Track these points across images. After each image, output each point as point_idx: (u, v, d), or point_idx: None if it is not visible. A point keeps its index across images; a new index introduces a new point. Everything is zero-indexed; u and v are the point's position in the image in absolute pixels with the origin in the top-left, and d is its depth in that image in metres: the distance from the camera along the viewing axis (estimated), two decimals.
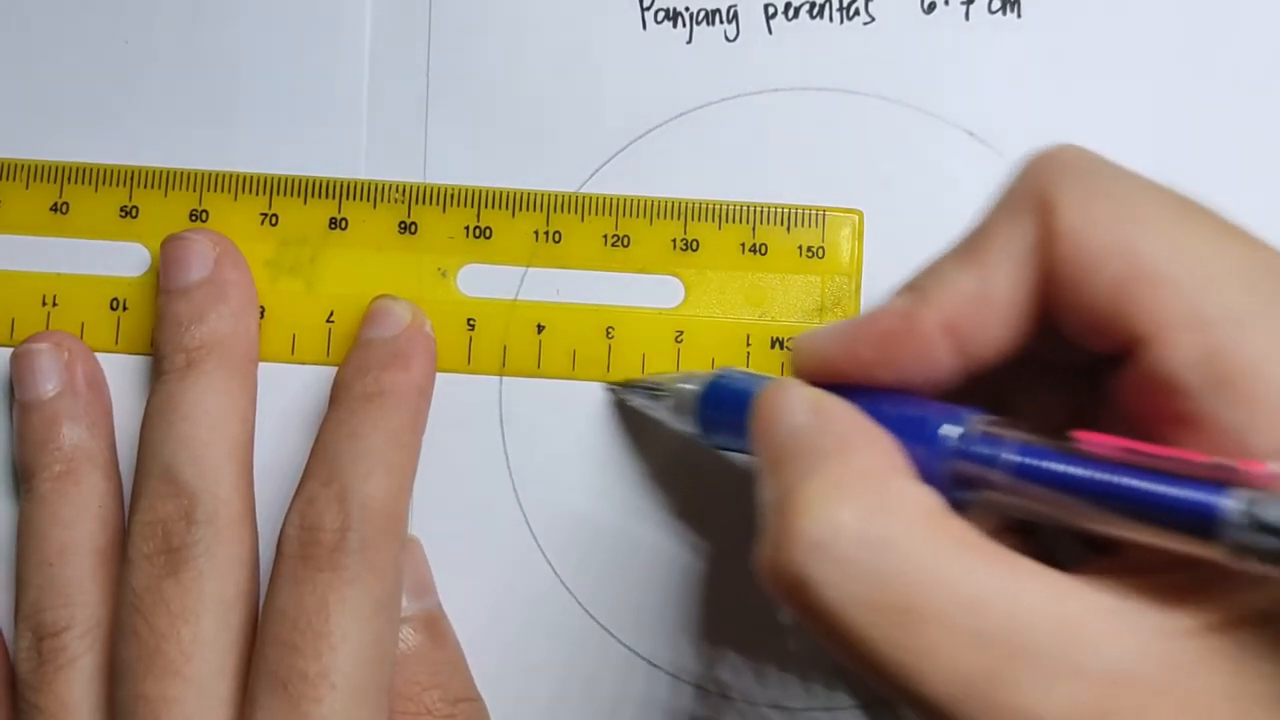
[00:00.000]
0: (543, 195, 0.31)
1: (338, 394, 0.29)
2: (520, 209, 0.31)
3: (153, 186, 0.31)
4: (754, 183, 0.31)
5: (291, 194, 0.31)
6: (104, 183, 0.31)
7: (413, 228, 0.31)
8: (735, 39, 0.31)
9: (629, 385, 0.30)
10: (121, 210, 0.31)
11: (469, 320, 0.31)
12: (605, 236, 0.31)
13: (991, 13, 0.31)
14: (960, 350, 0.22)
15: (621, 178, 0.31)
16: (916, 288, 0.23)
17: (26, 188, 0.32)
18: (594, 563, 0.31)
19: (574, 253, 0.31)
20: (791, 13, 0.31)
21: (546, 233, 0.31)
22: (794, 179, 0.31)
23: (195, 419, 0.28)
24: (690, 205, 0.31)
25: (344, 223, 0.31)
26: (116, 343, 0.31)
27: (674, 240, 0.31)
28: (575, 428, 0.31)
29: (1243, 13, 0.30)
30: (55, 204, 0.31)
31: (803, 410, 0.22)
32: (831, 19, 0.31)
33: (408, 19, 0.32)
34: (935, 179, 0.31)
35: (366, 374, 0.29)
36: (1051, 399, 0.25)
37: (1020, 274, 0.22)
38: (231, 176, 0.31)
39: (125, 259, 0.31)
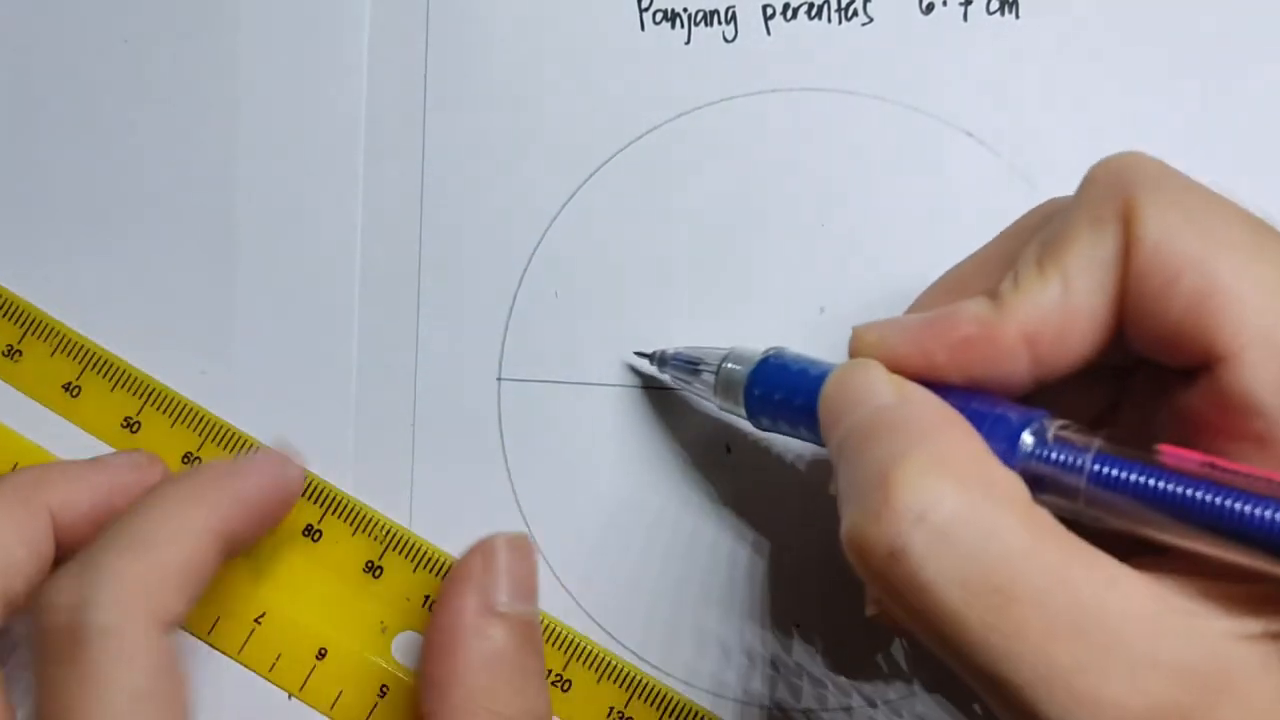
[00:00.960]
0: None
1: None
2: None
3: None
4: (753, 183, 0.31)
5: None
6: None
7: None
8: (733, 39, 0.31)
9: (664, 358, 0.30)
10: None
11: None
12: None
13: (990, 14, 0.31)
14: (1038, 361, 0.22)
15: (620, 178, 0.31)
16: (996, 295, 0.23)
17: None
18: (594, 565, 0.31)
19: None
20: (790, 13, 0.31)
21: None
22: (792, 180, 0.31)
23: None
24: None
25: None
26: None
27: None
28: (574, 430, 0.31)
29: (1239, 12, 0.30)
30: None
31: (888, 391, 0.22)
32: (830, 19, 0.31)
33: (406, 20, 0.32)
34: (933, 179, 0.31)
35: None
36: (1079, 395, 0.25)
37: (1102, 284, 0.22)
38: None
39: None
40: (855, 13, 0.31)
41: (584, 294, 0.31)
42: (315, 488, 0.31)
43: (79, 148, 0.32)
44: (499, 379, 0.31)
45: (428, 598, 0.30)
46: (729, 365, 0.27)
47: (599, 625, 0.31)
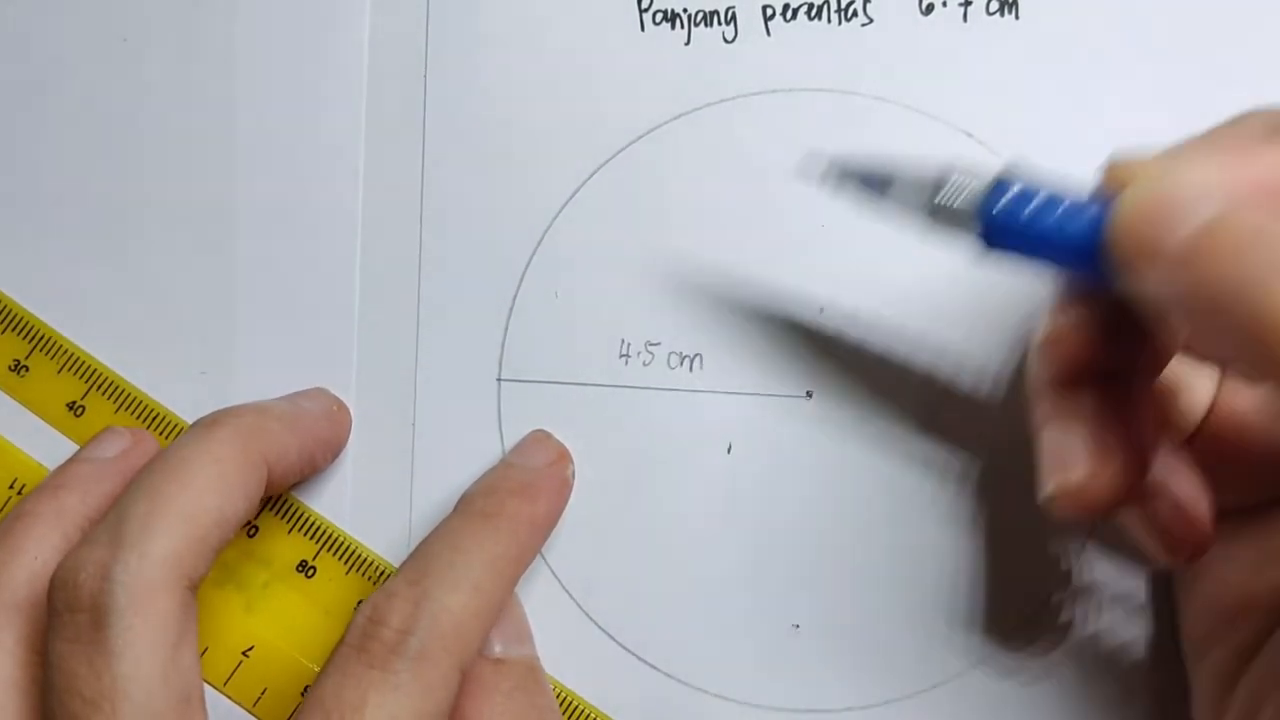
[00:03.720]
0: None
1: (459, 505, 0.29)
2: None
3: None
4: (753, 184, 0.31)
5: None
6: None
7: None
8: (733, 40, 0.31)
9: (846, 171, 0.27)
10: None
11: None
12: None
13: (989, 14, 0.31)
14: None
15: (620, 180, 0.31)
16: None
17: None
18: (593, 565, 0.31)
19: None
20: (790, 14, 0.31)
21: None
22: (792, 180, 0.31)
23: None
24: None
25: None
26: None
27: None
28: (574, 431, 0.31)
29: (1241, 12, 0.30)
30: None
31: (1214, 199, 0.20)
32: (830, 20, 0.31)
33: (405, 21, 0.32)
34: None
35: (492, 494, 0.29)
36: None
37: None
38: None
39: None
40: (855, 13, 0.31)
41: (584, 294, 0.31)
42: (312, 523, 0.31)
43: (77, 148, 0.32)
44: (499, 379, 0.31)
45: None
46: (959, 178, 0.24)
47: (599, 626, 0.30)
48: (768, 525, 0.30)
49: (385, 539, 0.31)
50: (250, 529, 0.31)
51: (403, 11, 0.32)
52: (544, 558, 0.31)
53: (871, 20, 0.31)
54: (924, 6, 0.31)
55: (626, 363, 0.31)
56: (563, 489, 0.30)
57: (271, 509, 0.31)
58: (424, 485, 0.31)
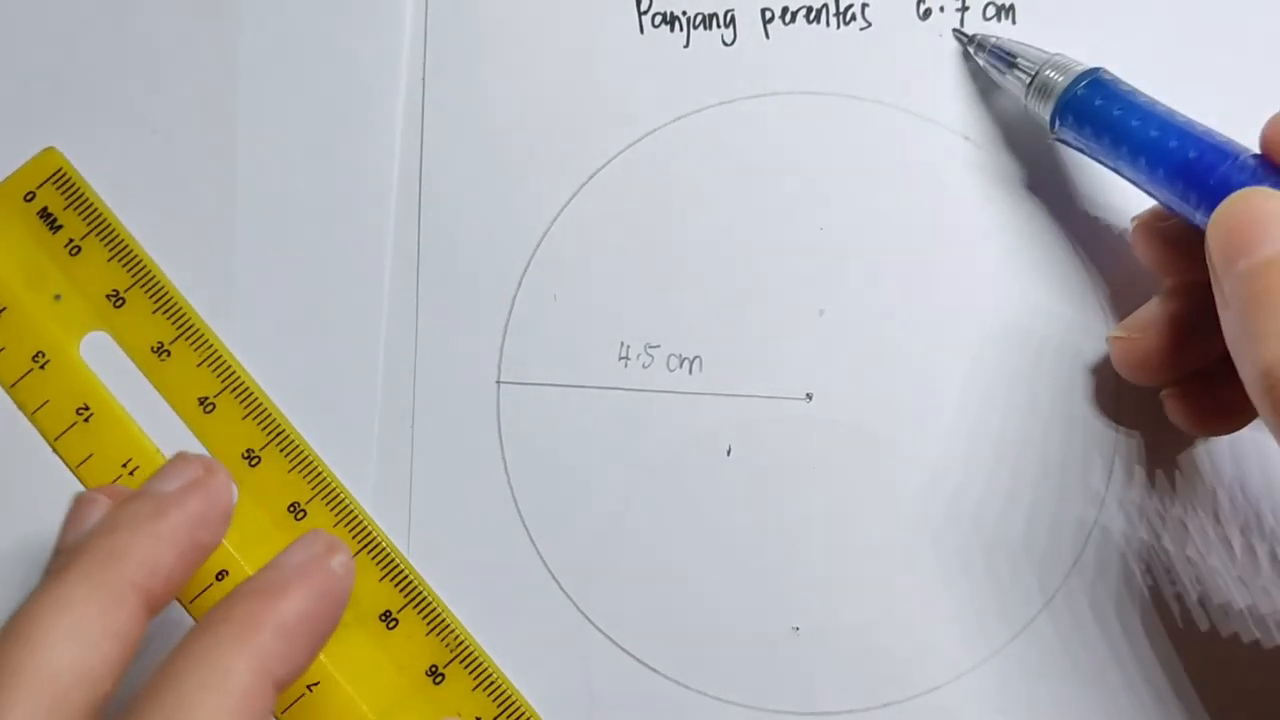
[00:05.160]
0: None
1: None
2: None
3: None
4: (752, 187, 0.31)
5: None
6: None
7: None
8: (732, 43, 0.32)
9: (983, 44, 0.30)
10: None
11: None
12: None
13: (986, 19, 0.31)
14: None
15: (620, 181, 0.31)
16: None
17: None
18: (593, 567, 0.31)
19: None
20: (788, 17, 0.32)
21: None
22: (791, 183, 0.31)
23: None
24: None
25: None
26: None
27: None
28: (574, 433, 0.31)
29: (1237, 18, 0.31)
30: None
31: None
32: (828, 23, 0.31)
33: (404, 22, 0.32)
34: (931, 183, 0.31)
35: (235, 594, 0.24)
36: None
37: None
38: None
39: None
40: (853, 17, 0.31)
41: (583, 296, 0.31)
42: (404, 575, 0.30)
43: (75, 153, 0.32)
44: (498, 382, 0.31)
45: (479, 719, 0.30)
46: (1048, 73, 0.28)
47: (597, 628, 0.30)
48: (767, 527, 0.30)
49: None
50: None
51: (402, 14, 0.32)
52: (543, 559, 0.31)
53: (870, 24, 0.31)
54: (921, 10, 0.31)
55: (626, 365, 0.31)
56: (325, 579, 0.25)
57: (369, 552, 0.30)
58: (423, 487, 0.31)
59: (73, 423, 0.30)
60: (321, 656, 0.29)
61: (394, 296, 0.32)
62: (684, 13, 0.32)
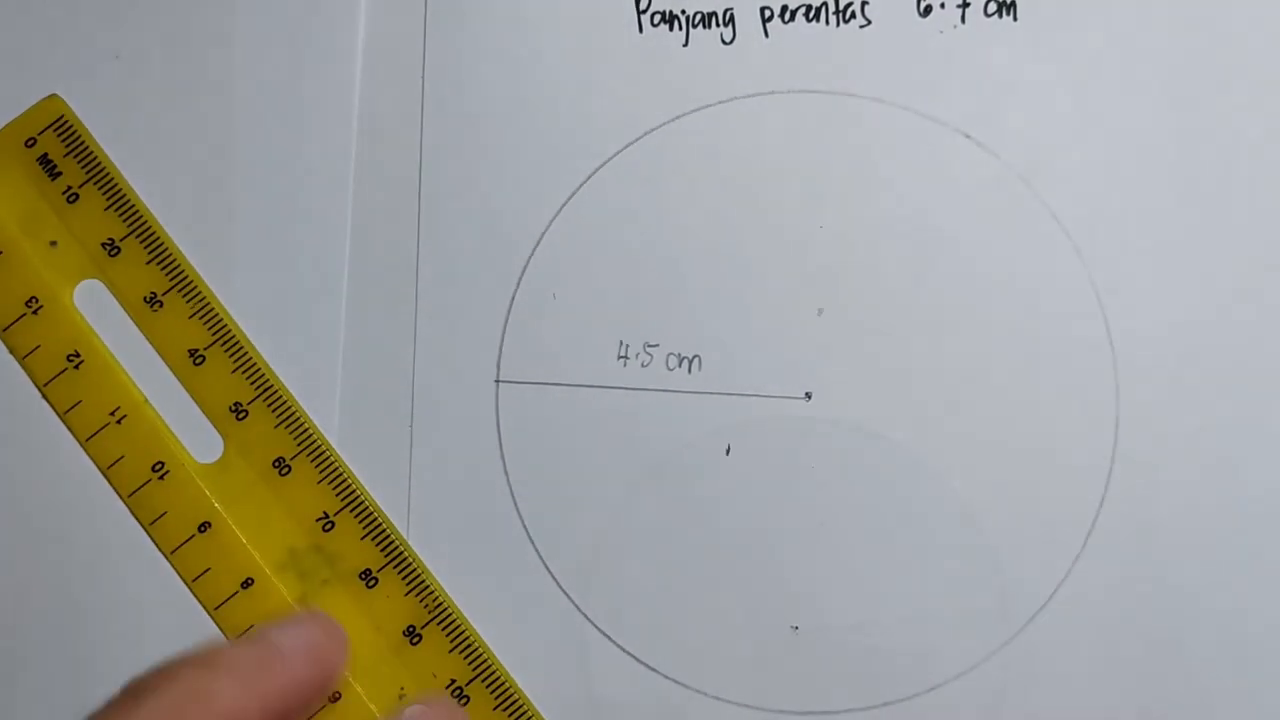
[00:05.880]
0: None
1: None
2: None
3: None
4: (751, 185, 0.31)
5: None
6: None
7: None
8: (731, 42, 0.32)
9: None
10: None
11: None
12: None
13: (987, 16, 0.31)
14: None
15: (619, 180, 0.31)
16: None
17: None
18: (592, 567, 0.31)
19: None
20: (788, 15, 0.31)
21: None
22: (791, 181, 0.31)
23: None
24: None
25: None
26: None
27: None
28: (573, 433, 0.31)
29: (1239, 13, 0.31)
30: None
31: None
32: (827, 22, 0.31)
33: (403, 21, 0.32)
34: (931, 181, 0.31)
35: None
36: None
37: None
38: None
39: None
40: (853, 15, 0.31)
41: (582, 295, 0.31)
42: (386, 535, 0.30)
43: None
44: (497, 381, 0.31)
45: (454, 681, 0.30)
46: None
47: (597, 628, 0.30)
48: (767, 526, 0.30)
49: None
50: (327, 523, 0.30)
51: (401, 13, 0.32)
52: (542, 559, 0.31)
53: (869, 22, 0.31)
54: (922, 8, 0.31)
55: (625, 364, 0.31)
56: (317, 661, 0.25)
57: (351, 510, 0.30)
58: (421, 487, 0.31)
59: (63, 369, 0.31)
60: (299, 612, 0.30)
61: (393, 295, 0.32)
62: (683, 11, 0.31)
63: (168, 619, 0.31)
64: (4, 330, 0.31)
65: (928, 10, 0.31)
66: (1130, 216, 0.30)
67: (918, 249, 0.31)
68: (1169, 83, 0.31)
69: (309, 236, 0.32)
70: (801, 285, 0.31)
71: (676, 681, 0.30)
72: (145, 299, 0.31)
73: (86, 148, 0.31)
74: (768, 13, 0.31)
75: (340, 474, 0.30)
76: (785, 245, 0.31)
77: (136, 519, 0.30)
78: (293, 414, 0.31)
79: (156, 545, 0.30)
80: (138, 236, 0.31)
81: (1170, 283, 0.30)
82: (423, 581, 0.30)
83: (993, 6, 0.31)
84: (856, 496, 0.30)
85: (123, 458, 0.30)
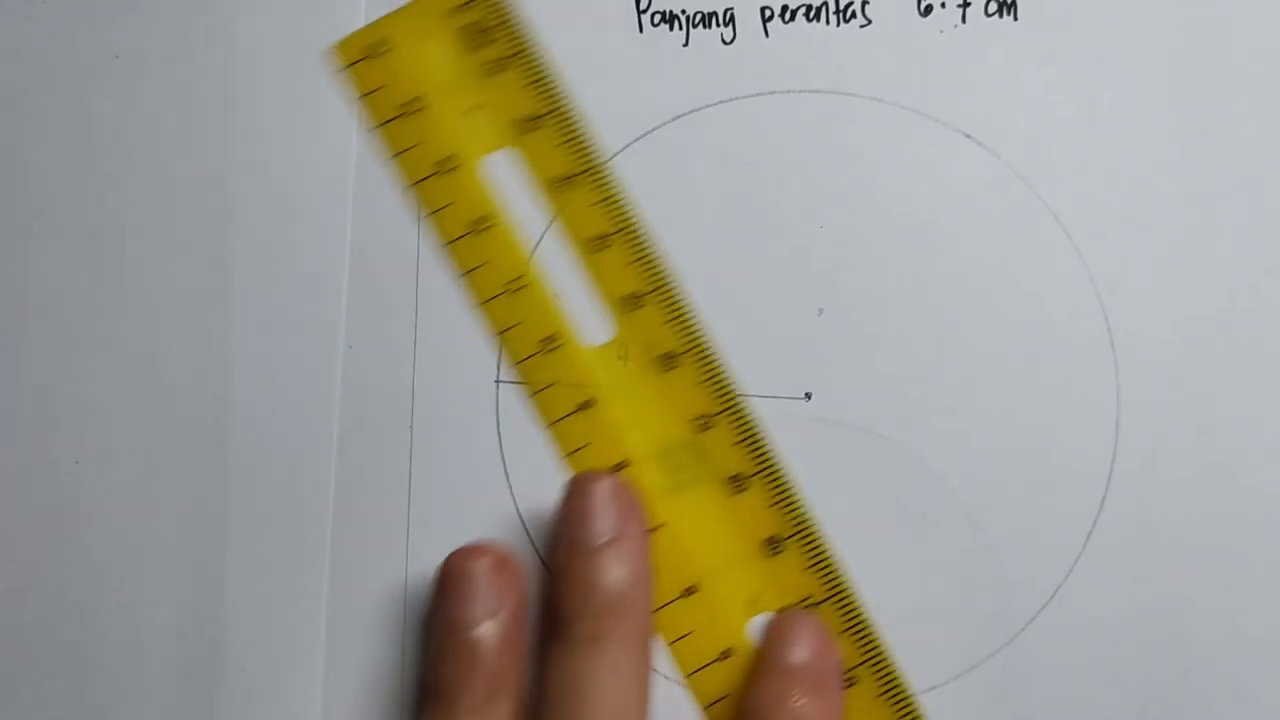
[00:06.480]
0: None
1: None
2: None
3: None
4: (751, 185, 0.31)
5: None
6: None
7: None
8: (732, 41, 0.32)
9: None
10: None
11: None
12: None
13: (988, 15, 0.31)
14: None
15: (618, 180, 0.31)
16: None
17: None
18: None
19: None
20: (788, 15, 0.31)
21: None
22: (791, 181, 0.31)
23: (600, 706, 0.27)
24: None
25: None
26: None
27: None
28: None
29: (1241, 14, 0.31)
30: None
31: None
32: (828, 21, 0.31)
33: None
34: (932, 181, 0.31)
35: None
36: None
37: None
38: None
39: None
40: (853, 15, 0.31)
41: (582, 294, 0.31)
42: (761, 446, 0.30)
43: (69, 163, 0.32)
44: (497, 381, 0.31)
45: (808, 598, 0.30)
46: None
47: None
48: None
49: (381, 541, 0.31)
50: (705, 423, 0.30)
51: None
52: (542, 558, 0.31)
53: (870, 21, 0.31)
54: (922, 7, 0.31)
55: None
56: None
57: (729, 415, 0.30)
58: (421, 487, 0.31)
59: (467, 231, 0.31)
60: (666, 500, 0.30)
61: (392, 295, 0.32)
62: (683, 11, 0.31)
63: (168, 619, 0.31)
64: (418, 183, 0.31)
65: (928, 10, 0.31)
66: (1131, 216, 0.30)
67: (918, 249, 0.31)
68: (1170, 83, 0.31)
69: (309, 236, 0.32)
70: (801, 285, 0.31)
71: (676, 681, 0.30)
72: (556, 179, 0.31)
73: (513, 24, 0.32)
74: (768, 12, 0.31)
75: (723, 380, 0.31)
76: (785, 245, 0.31)
77: (523, 385, 0.31)
78: (684, 312, 0.31)
79: (540, 415, 0.31)
80: (555, 115, 0.31)
81: (1171, 283, 0.30)
82: (791, 497, 0.30)
83: (993, 6, 0.31)
84: (856, 496, 0.30)
85: (516, 325, 0.31)
